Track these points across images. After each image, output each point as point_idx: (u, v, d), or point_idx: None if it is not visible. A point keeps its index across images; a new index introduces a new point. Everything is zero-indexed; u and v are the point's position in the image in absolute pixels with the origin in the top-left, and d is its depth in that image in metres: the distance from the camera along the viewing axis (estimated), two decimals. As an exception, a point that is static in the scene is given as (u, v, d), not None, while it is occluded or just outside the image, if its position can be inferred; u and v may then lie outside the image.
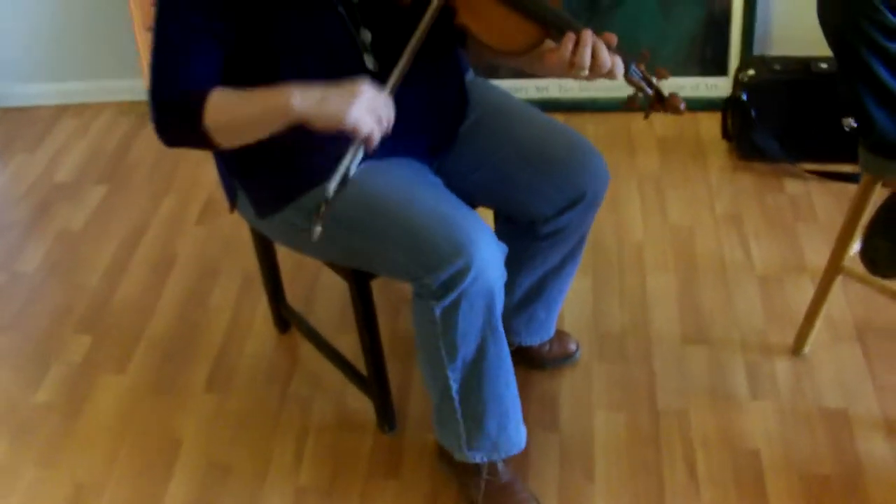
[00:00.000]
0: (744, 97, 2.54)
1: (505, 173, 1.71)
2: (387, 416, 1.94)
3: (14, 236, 2.59)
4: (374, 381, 1.89)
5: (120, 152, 2.91)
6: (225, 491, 1.86)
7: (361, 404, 2.01)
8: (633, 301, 2.23)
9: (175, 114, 1.48)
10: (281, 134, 1.45)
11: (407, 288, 2.23)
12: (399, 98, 1.43)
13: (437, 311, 1.55)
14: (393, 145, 1.53)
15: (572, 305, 2.21)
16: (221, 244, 2.50)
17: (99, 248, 2.52)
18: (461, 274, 1.50)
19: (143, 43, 2.92)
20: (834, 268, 1.91)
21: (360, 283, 1.75)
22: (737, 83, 2.61)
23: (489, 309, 1.57)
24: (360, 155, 1.40)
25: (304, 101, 1.38)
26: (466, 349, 1.60)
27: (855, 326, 2.11)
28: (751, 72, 2.55)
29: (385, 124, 1.39)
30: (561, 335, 2.08)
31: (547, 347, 2.06)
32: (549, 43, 1.49)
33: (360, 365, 1.94)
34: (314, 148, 1.53)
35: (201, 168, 2.79)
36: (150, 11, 2.84)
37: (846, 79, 1.56)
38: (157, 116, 1.50)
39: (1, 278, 2.44)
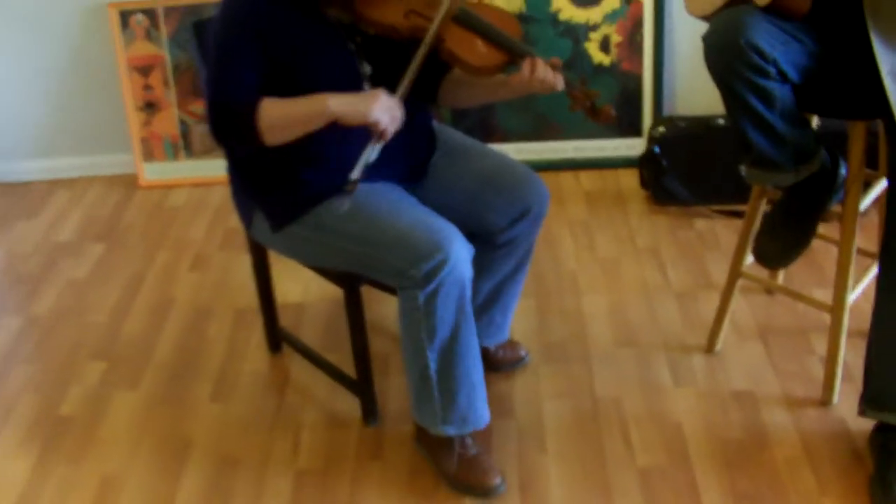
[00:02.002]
0: (656, 150, 3.02)
1: (467, 195, 2.13)
2: (371, 410, 2.28)
3: (26, 287, 2.90)
4: (362, 378, 2.24)
5: (114, 217, 3.26)
6: (235, 478, 2.16)
7: (348, 406, 2.34)
8: (570, 317, 2.63)
9: (232, 115, 1.89)
10: (295, 154, 1.87)
11: (378, 310, 2.61)
12: (392, 138, 1.85)
13: (421, 298, 1.93)
14: (379, 172, 1.96)
15: (520, 322, 2.59)
16: (214, 288, 2.85)
17: (103, 294, 2.84)
18: (440, 266, 1.89)
19: (133, 120, 3.31)
20: (735, 271, 2.35)
21: (352, 289, 2.12)
22: (649, 139, 3.09)
23: (462, 297, 1.96)
24: (378, 147, 1.83)
25: (338, 102, 1.84)
26: (443, 331, 1.98)
27: (757, 328, 2.54)
28: (661, 129, 3.04)
29: (397, 122, 1.84)
30: (512, 342, 2.47)
31: (501, 352, 2.44)
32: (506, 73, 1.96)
33: (346, 372, 2.30)
34: (322, 168, 1.96)
35: (190, 228, 3.15)
36: (141, 93, 3.26)
37: (729, 111, 2.01)
38: (214, 118, 1.91)
39: (17, 321, 2.74)
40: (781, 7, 1.86)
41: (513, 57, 1.94)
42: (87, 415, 2.37)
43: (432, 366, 2.02)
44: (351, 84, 1.99)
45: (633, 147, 3.32)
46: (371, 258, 1.99)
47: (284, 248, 2.14)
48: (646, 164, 3.09)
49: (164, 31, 3.23)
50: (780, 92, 1.91)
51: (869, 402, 2.07)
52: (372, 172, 1.90)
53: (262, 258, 2.43)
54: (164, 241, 3.10)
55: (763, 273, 2.53)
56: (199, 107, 3.31)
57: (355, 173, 1.83)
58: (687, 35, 3.24)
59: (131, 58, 3.26)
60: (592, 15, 3.19)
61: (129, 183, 3.45)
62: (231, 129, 1.92)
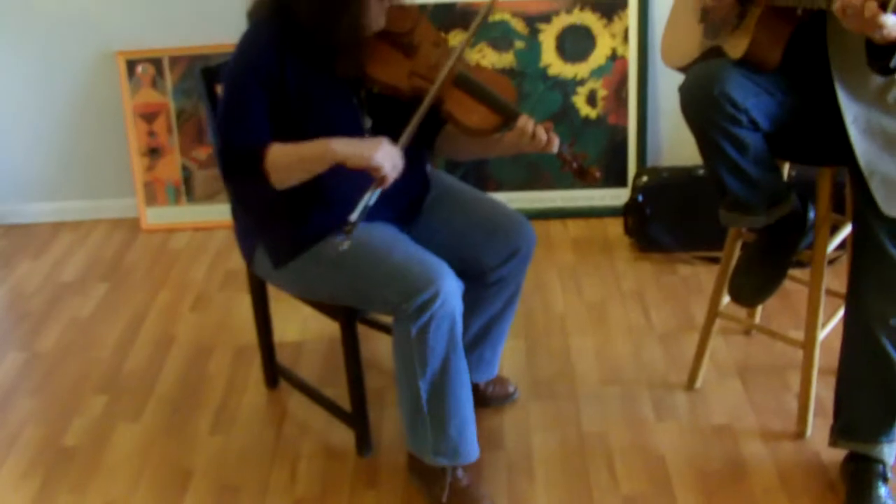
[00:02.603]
0: (640, 199, 3.15)
1: (459, 234, 2.25)
2: (366, 441, 2.37)
3: (30, 323, 3.00)
4: (357, 410, 2.33)
5: (117, 258, 3.37)
6: (234, 504, 2.26)
7: (343, 437, 2.43)
8: (558, 356, 2.74)
9: (241, 158, 2.00)
10: (297, 195, 1.99)
11: (373, 347, 2.71)
12: (370, 183, 1.97)
13: (414, 330, 2.04)
14: (376, 211, 2.07)
15: (510, 360, 2.69)
16: (213, 327, 2.94)
17: (106, 331, 2.94)
18: (432, 299, 2.00)
19: (137, 165, 3.43)
20: (713, 311, 2.46)
21: (348, 322, 2.23)
22: (634, 188, 3.22)
23: (452, 330, 2.06)
24: (377, 192, 1.94)
25: (342, 146, 1.94)
26: (434, 363, 2.08)
27: (735, 366, 2.65)
28: (645, 178, 3.18)
29: (397, 170, 1.95)
30: (502, 379, 2.57)
31: (491, 388, 2.54)
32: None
33: (341, 405, 2.40)
34: (323, 208, 2.08)
35: (191, 269, 3.27)
36: (146, 139, 3.39)
37: (705, 157, 2.14)
38: (224, 161, 2.03)
39: (22, 357, 2.83)
40: (753, 60, 2.01)
41: (507, 119, 2.07)
42: (89, 446, 2.45)
43: (424, 396, 2.12)
44: (352, 135, 2.10)
45: (619, 197, 3.45)
46: (366, 292, 2.10)
47: (285, 282, 2.24)
48: (630, 213, 3.22)
49: (169, 79, 3.38)
50: (751, 139, 2.04)
51: (840, 433, 2.18)
52: (369, 211, 2.01)
53: (262, 296, 2.53)
54: (166, 281, 3.21)
55: (741, 313, 2.65)
56: (201, 153, 3.44)
57: (354, 216, 1.93)
58: (670, 90, 3.39)
59: (137, 105, 3.40)
60: (580, 70, 3.35)
61: (132, 226, 3.57)
62: (240, 171, 2.03)
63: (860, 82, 1.96)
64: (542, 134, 2.04)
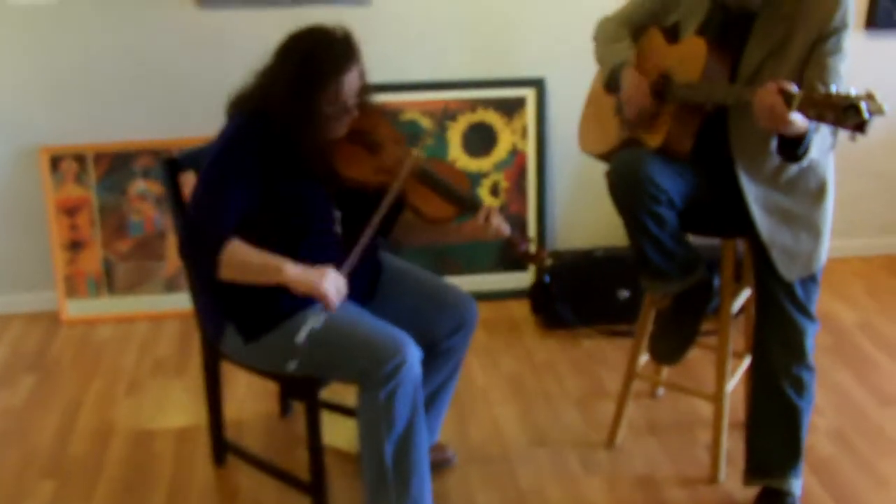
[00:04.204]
0: (546, 280, 3.46)
1: (413, 310, 2.47)
2: (324, 508, 2.51)
3: (-41, 417, 2.97)
4: (317, 479, 2.46)
5: (40, 350, 3.38)
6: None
7: (297, 507, 2.56)
8: (487, 423, 2.95)
9: (202, 240, 2.17)
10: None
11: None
12: (340, 264, 2.19)
13: (382, 396, 2.22)
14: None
15: (443, 428, 2.89)
16: (151, 410, 3.00)
17: (42, 419, 2.95)
18: (399, 366, 2.21)
19: (59, 258, 3.48)
20: (630, 372, 2.76)
21: (312, 393, 2.38)
22: (539, 270, 3.53)
23: (416, 393, 2.27)
24: (323, 316, 2.15)
25: (293, 271, 2.16)
26: (399, 425, 2.26)
27: (646, 424, 2.94)
28: (549, 261, 3.48)
29: (342, 295, 2.17)
30: (441, 445, 2.76)
31: (432, 454, 2.71)
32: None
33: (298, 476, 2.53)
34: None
35: (119, 358, 3.32)
36: (67, 233, 3.45)
37: (630, 232, 2.44)
38: (186, 236, 2.20)
39: (-44, 448, 2.81)
40: (668, 150, 2.35)
41: (464, 209, 2.35)
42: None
43: (388, 457, 2.29)
44: (323, 224, 2.33)
45: (520, 280, 3.75)
46: (337, 362, 2.28)
47: (256, 357, 2.38)
48: (537, 293, 3.51)
49: (93, 174, 3.47)
50: (668, 216, 2.37)
51: (753, 472, 2.49)
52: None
53: (215, 374, 2.64)
54: (96, 370, 3.25)
55: (654, 373, 2.96)
56: (123, 245, 3.52)
57: (300, 337, 2.12)
58: (564, 182, 3.77)
59: (59, 199, 3.47)
60: (484, 164, 3.67)
61: (51, 319, 3.58)
62: (197, 252, 2.21)
63: (757, 166, 2.33)
64: (496, 221, 2.31)
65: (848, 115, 1.91)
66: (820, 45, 2.22)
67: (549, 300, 3.48)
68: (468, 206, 2.34)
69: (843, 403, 3.04)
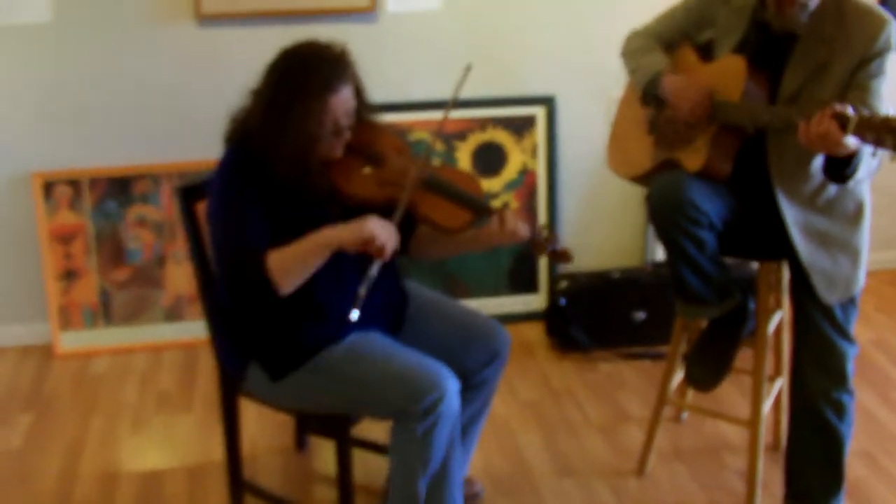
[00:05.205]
0: (561, 303, 3.37)
1: (444, 342, 2.36)
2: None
3: (-45, 461, 2.81)
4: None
5: (35, 387, 3.22)
6: None
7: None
8: (511, 454, 2.85)
9: (245, 267, 2.06)
10: (292, 307, 2.11)
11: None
12: (369, 295, 2.05)
13: (420, 431, 2.12)
14: (367, 324, 2.19)
15: (471, 461, 2.79)
16: (159, 450, 2.87)
17: (43, 463, 2.79)
18: (438, 401, 2.10)
19: (52, 289, 3.33)
20: (662, 397, 2.67)
21: (342, 430, 2.26)
22: (554, 293, 3.44)
23: (454, 427, 2.16)
24: (379, 263, 2.02)
25: (335, 230, 2.05)
26: (436, 461, 2.16)
27: (673, 450, 2.85)
28: (565, 283, 3.40)
29: (393, 239, 2.04)
30: (469, 479, 2.66)
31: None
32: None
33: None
34: (318, 320, 2.17)
35: (120, 393, 3.17)
36: (62, 262, 3.31)
37: (670, 256, 2.36)
38: (228, 273, 2.09)
39: (-45, 495, 2.65)
40: (708, 172, 2.27)
41: (480, 213, 2.22)
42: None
43: (422, 493, 2.18)
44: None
45: (530, 302, 3.66)
46: (370, 398, 2.16)
47: (283, 395, 2.26)
48: (552, 315, 3.42)
49: (88, 200, 3.33)
50: (708, 239, 2.29)
51: (793, 498, 2.43)
52: (359, 328, 2.13)
53: (233, 413, 2.50)
54: (95, 406, 3.09)
55: (679, 398, 2.88)
56: (120, 274, 3.38)
57: (362, 289, 2.00)
58: (575, 202, 3.68)
59: (53, 227, 3.32)
60: (494, 184, 3.57)
61: (44, 353, 3.41)
62: (247, 284, 2.09)
63: (796, 188, 2.27)
64: (512, 223, 2.20)
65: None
66: (863, 67, 2.18)
67: (564, 323, 3.39)
68: (482, 211, 2.21)
69: (868, 423, 2.97)
